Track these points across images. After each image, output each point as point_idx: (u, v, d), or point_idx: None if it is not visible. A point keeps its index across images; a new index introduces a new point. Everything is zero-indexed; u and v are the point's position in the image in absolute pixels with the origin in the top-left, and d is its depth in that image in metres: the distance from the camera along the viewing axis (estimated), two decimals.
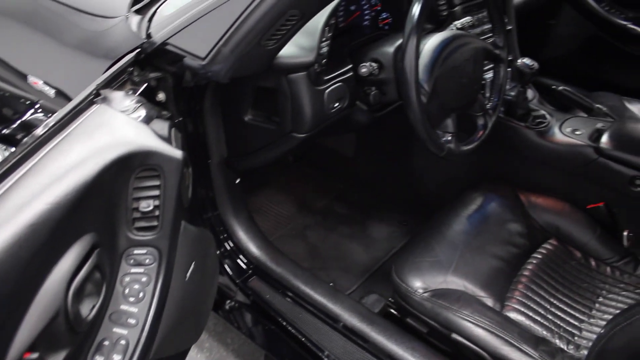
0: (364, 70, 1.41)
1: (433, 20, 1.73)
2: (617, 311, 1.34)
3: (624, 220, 1.56)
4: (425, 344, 1.36)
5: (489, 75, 1.61)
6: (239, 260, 1.56)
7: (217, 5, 1.06)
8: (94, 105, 0.97)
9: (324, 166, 2.38)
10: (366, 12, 1.63)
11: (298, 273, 1.55)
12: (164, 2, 1.33)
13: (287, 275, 1.53)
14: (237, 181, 1.57)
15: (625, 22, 2.34)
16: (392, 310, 1.52)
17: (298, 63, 1.29)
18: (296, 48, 1.28)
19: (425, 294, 1.35)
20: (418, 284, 1.36)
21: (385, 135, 2.11)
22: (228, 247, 1.56)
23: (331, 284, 1.59)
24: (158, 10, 1.29)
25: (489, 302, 1.35)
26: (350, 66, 1.44)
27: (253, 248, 1.57)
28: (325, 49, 1.35)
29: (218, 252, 1.56)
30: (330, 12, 1.34)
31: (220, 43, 1.07)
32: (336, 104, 1.41)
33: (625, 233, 1.52)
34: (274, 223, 2.07)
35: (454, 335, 1.28)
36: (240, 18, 1.04)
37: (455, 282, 1.37)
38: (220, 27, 1.06)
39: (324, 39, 1.33)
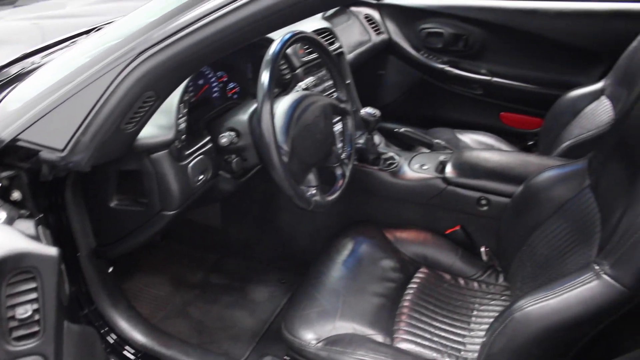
0: (224, 140, 1.45)
1: (279, 84, 1.83)
2: (491, 319, 1.46)
3: (479, 237, 1.73)
4: None
5: (338, 127, 1.72)
6: (125, 352, 1.49)
7: (71, 95, 1.05)
8: None
9: (193, 240, 2.35)
10: (214, 84, 1.69)
11: (189, 351, 1.51)
12: (3, 98, 1.28)
13: (179, 356, 1.49)
14: (110, 270, 1.51)
15: (442, 66, 2.66)
16: None
17: (159, 142, 1.29)
18: (155, 128, 1.29)
19: (319, 344, 1.37)
20: (310, 336, 1.39)
21: (248, 199, 2.15)
22: (111, 341, 1.48)
23: (223, 356, 1.56)
24: None
25: (379, 337, 1.41)
26: (208, 138, 1.47)
27: (138, 336, 1.50)
28: (183, 125, 1.37)
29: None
30: (183, 89, 1.38)
31: (79, 132, 1.06)
32: (201, 177, 1.43)
33: (482, 249, 1.67)
34: (153, 306, 1.99)
35: None
36: (97, 105, 1.04)
37: (344, 326, 1.42)
38: (77, 117, 1.05)
39: (180, 115, 1.36)
